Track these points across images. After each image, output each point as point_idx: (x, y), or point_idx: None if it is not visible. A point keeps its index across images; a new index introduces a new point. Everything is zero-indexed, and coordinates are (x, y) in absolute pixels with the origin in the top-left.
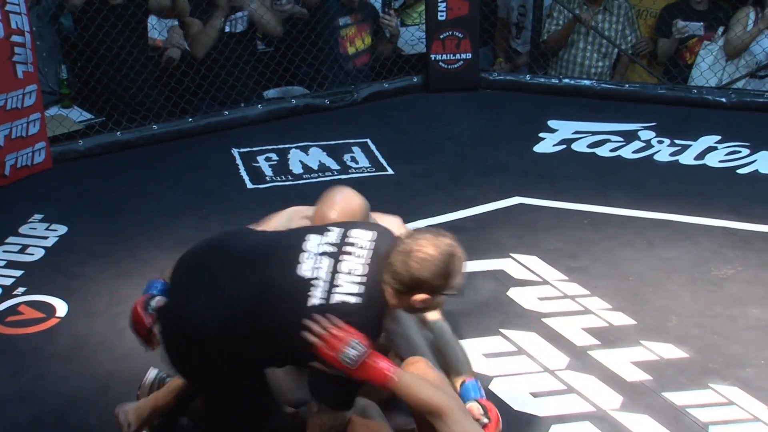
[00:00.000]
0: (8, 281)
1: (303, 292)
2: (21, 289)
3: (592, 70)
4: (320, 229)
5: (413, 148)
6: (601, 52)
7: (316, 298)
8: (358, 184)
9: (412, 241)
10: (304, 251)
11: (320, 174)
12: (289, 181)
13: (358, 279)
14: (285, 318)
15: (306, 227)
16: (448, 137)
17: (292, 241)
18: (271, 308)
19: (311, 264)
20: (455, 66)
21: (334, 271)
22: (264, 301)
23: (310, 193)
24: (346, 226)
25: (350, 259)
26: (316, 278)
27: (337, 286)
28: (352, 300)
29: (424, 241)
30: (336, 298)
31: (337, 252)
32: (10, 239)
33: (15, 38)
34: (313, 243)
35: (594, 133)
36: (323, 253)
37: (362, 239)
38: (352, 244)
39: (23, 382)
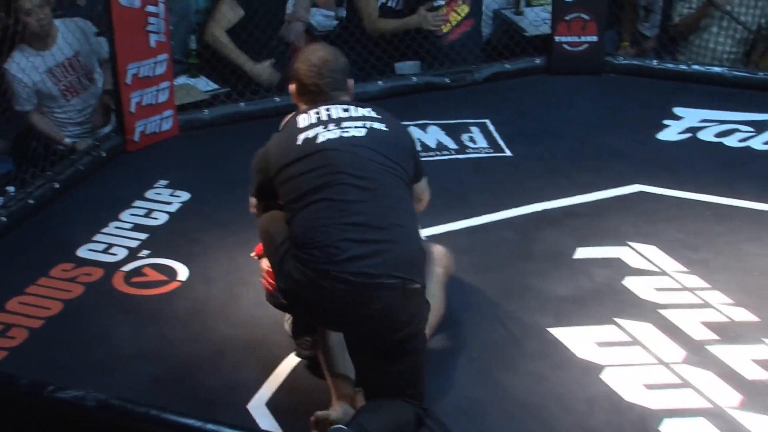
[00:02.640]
0: (134, 243)
1: None
2: (145, 252)
3: (724, 56)
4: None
5: (532, 130)
6: (735, 38)
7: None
8: (475, 165)
9: None
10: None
11: (438, 153)
12: None
13: None
14: None
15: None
16: (569, 121)
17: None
18: None
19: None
20: (580, 48)
21: None
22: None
23: (427, 171)
24: None
25: None
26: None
27: None
28: None
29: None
30: None
31: None
32: (137, 203)
33: (149, 8)
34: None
35: (722, 122)
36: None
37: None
38: None
39: (145, 342)
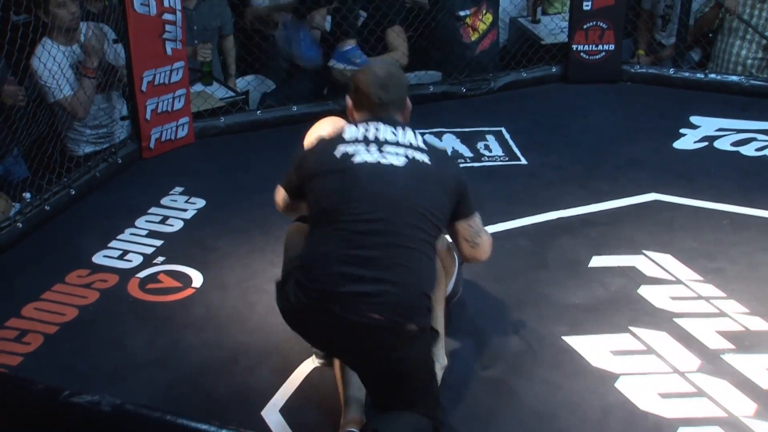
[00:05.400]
0: (149, 250)
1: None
2: (160, 258)
3: (748, 62)
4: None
5: (548, 138)
6: (761, 44)
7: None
8: (490, 173)
9: None
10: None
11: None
12: None
13: None
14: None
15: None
16: (585, 129)
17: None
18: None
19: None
20: (597, 57)
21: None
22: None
23: None
24: None
25: None
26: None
27: None
28: None
29: None
30: None
31: None
32: (153, 209)
33: (166, 16)
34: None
35: (739, 131)
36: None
37: None
38: None
39: (159, 348)
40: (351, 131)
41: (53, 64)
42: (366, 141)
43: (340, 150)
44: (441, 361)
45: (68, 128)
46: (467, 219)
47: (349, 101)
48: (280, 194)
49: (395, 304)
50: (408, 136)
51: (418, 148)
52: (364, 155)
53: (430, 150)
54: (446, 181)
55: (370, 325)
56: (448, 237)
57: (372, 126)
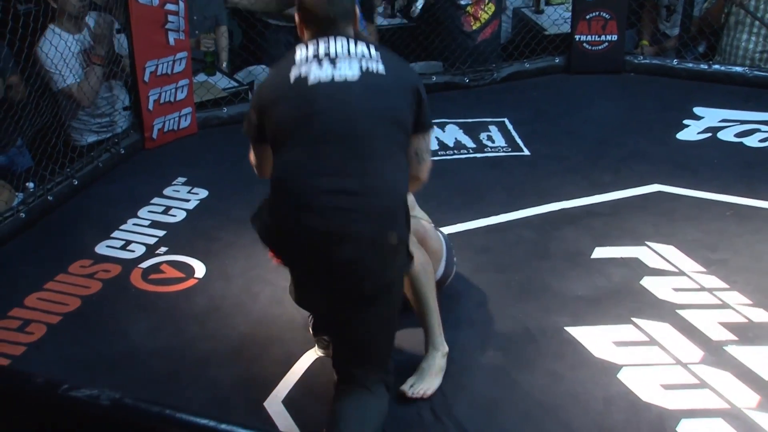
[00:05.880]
0: (152, 240)
1: None
2: (163, 249)
3: (756, 56)
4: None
5: (551, 129)
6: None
7: None
8: (493, 164)
9: None
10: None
11: (455, 151)
12: None
13: None
14: None
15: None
16: (588, 120)
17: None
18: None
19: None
20: (600, 48)
21: None
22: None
23: (445, 170)
24: None
25: None
26: None
27: None
28: None
29: None
30: None
31: None
32: (155, 200)
33: (169, 6)
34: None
35: (743, 122)
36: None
37: None
38: None
39: (162, 338)
40: (301, 52)
41: (60, 51)
42: (317, 58)
43: (293, 74)
44: (441, 348)
45: (72, 117)
46: (424, 132)
47: (297, 17)
48: (253, 160)
49: (369, 210)
50: (360, 47)
51: (371, 58)
52: (317, 73)
53: (385, 58)
54: (403, 86)
55: (348, 235)
56: (427, 220)
57: (322, 43)
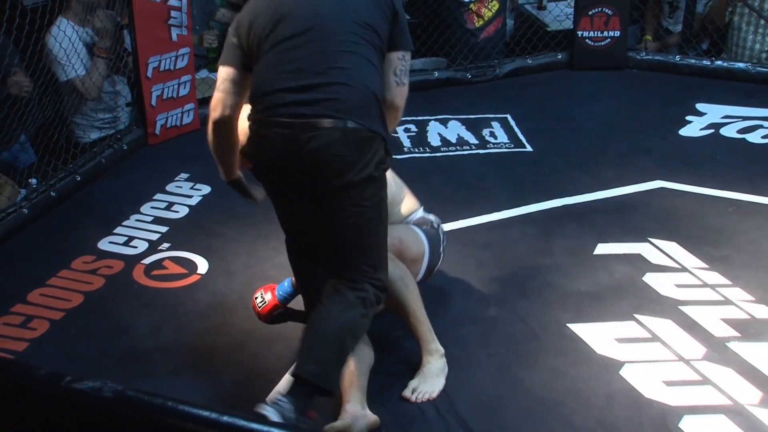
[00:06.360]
0: (154, 236)
1: None
2: (166, 245)
3: (762, 55)
4: None
5: (554, 125)
6: None
7: None
8: (495, 160)
9: None
10: None
11: (458, 147)
12: (427, 153)
13: None
14: None
15: None
16: (590, 116)
17: None
18: None
19: None
20: (602, 44)
21: None
22: None
23: (447, 166)
24: None
25: None
26: None
27: None
28: None
29: None
30: None
31: None
32: (158, 196)
33: (172, 2)
34: None
35: (745, 119)
36: None
37: None
38: None
39: (164, 334)
40: None
41: (68, 42)
42: None
43: None
44: (436, 352)
45: (76, 112)
46: (403, 51)
47: None
48: (221, 87)
49: (337, 101)
50: None
51: None
52: None
53: None
54: (379, 1)
55: (317, 125)
56: (411, 226)
57: None
